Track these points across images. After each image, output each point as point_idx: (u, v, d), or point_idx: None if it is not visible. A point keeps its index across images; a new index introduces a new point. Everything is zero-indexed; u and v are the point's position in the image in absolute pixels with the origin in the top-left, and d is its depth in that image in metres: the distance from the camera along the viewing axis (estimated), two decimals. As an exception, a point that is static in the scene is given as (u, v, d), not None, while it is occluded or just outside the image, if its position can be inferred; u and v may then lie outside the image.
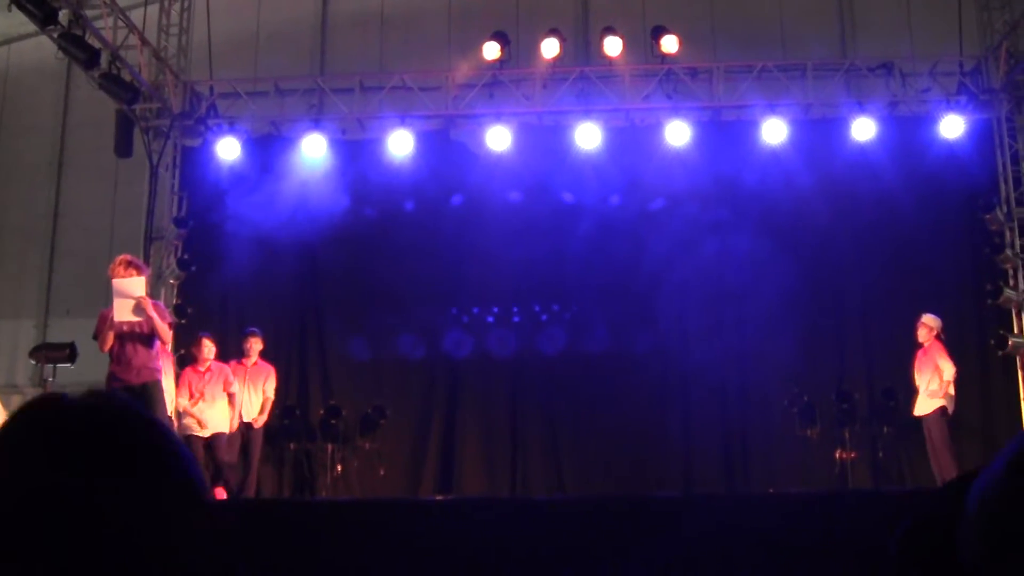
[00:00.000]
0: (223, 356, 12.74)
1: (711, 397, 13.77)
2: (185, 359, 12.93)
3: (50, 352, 13.14)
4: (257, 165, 14.44)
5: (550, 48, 14.38)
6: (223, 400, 12.09)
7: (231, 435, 12.33)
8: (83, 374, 11.91)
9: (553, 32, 14.43)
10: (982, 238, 13.89)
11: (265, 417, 12.63)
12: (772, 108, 14.03)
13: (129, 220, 14.75)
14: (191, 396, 11.99)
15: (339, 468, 13.44)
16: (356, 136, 14.88)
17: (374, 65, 15.44)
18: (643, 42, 14.54)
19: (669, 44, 14.23)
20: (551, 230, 14.08)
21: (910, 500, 8.37)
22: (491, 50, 14.38)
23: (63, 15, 12.17)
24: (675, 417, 13.81)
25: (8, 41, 16.12)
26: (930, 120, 14.01)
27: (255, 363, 12.66)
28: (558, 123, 14.64)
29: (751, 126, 14.12)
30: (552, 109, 14.69)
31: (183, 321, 13.58)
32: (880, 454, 13.32)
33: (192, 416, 11.93)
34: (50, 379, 12.87)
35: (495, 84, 14.73)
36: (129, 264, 9.22)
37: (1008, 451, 1.11)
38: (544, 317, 14.26)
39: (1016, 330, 13.64)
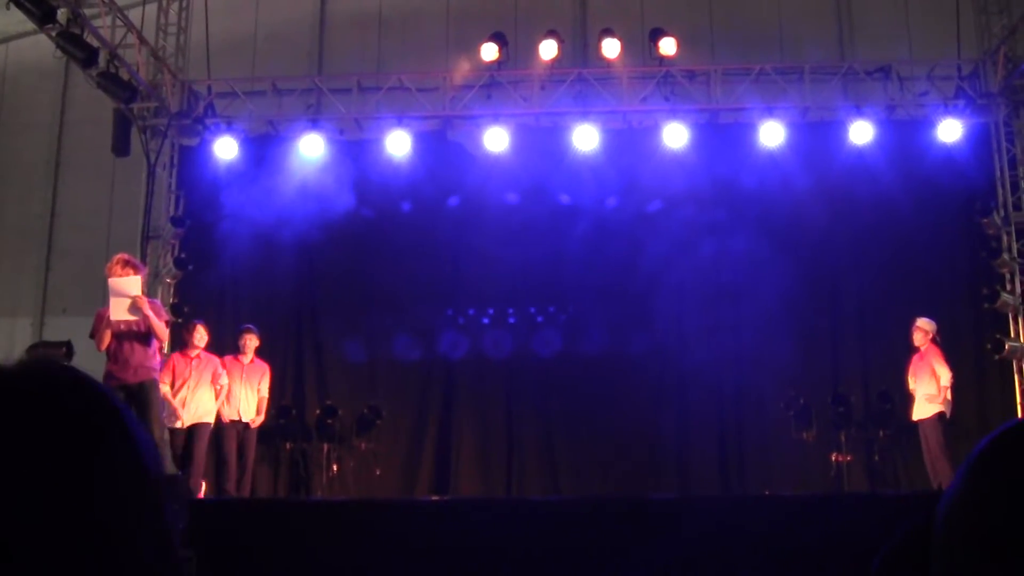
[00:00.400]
0: (218, 354, 12.73)
1: (707, 399, 13.77)
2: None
3: (47, 350, 13.11)
4: (254, 165, 14.42)
5: (548, 50, 14.38)
6: (209, 391, 11.93)
7: (227, 431, 12.29)
8: (79, 373, 11.86)
9: (551, 34, 14.42)
10: (979, 242, 13.90)
11: (263, 417, 12.59)
12: (770, 111, 14.03)
13: (126, 219, 14.74)
14: (173, 383, 11.72)
15: (335, 468, 13.42)
16: (354, 136, 14.87)
17: (372, 65, 15.44)
18: (641, 44, 14.55)
19: (667, 46, 14.23)
20: (548, 231, 14.07)
21: (905, 504, 8.38)
22: (489, 51, 14.37)
23: (61, 13, 12.15)
24: (671, 419, 13.81)
25: (6, 39, 16.10)
26: (928, 124, 14.01)
27: (251, 361, 12.60)
28: (556, 124, 14.63)
29: (749, 129, 14.12)
30: (550, 110, 14.69)
31: (179, 320, 13.55)
32: (876, 457, 13.33)
33: (171, 404, 11.61)
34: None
35: (493, 85, 14.73)
36: (127, 263, 9.21)
37: (970, 457, 1.12)
38: (540, 319, 14.26)
39: (1012, 334, 13.65)
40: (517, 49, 14.70)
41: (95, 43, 12.65)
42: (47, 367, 1.09)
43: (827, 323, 14.00)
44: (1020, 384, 13.54)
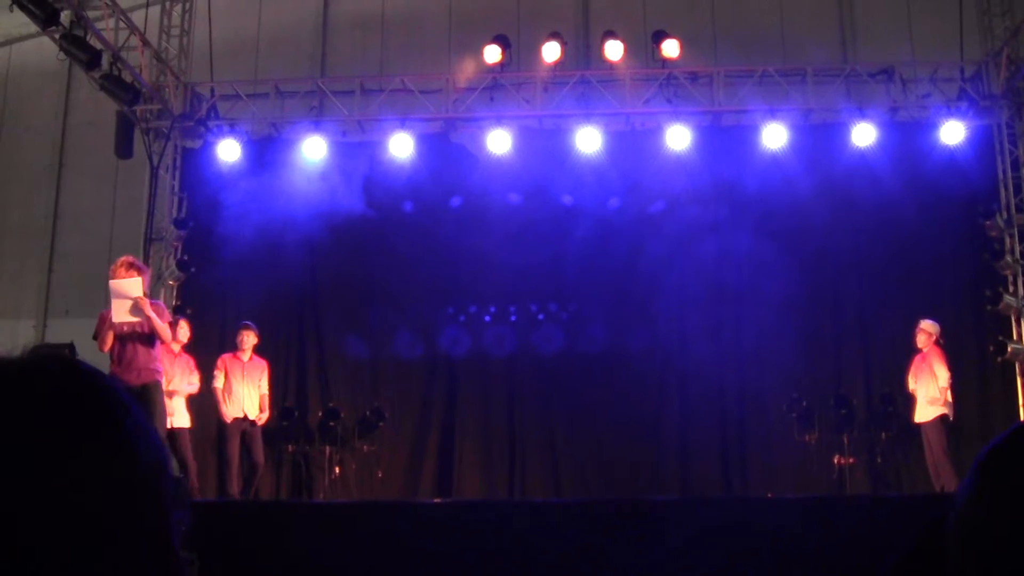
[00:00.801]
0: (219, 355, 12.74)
1: (709, 401, 13.78)
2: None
3: (47, 351, 13.10)
4: (257, 167, 14.41)
5: (551, 52, 14.38)
6: (186, 392, 11.91)
7: (230, 431, 12.25)
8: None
9: (554, 36, 14.43)
10: (982, 244, 13.88)
11: (267, 413, 12.56)
12: (772, 113, 14.03)
13: (129, 221, 14.75)
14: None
15: (337, 470, 13.43)
16: (356, 138, 14.88)
17: (374, 67, 15.44)
18: (644, 46, 14.54)
19: (670, 48, 14.23)
20: (551, 233, 14.08)
21: (908, 506, 8.38)
22: (492, 53, 14.38)
23: (65, 16, 12.18)
24: (673, 421, 13.83)
25: (9, 41, 16.12)
26: (930, 126, 14.01)
27: (251, 358, 12.57)
28: (558, 127, 14.63)
29: (751, 131, 14.11)
30: (552, 113, 14.69)
31: (190, 323, 13.56)
32: (878, 460, 13.32)
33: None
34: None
35: (496, 87, 14.74)
36: (130, 266, 9.20)
37: (980, 455, 1.12)
38: (543, 318, 14.26)
39: (1015, 337, 13.64)
40: (520, 51, 14.71)
41: (98, 45, 12.67)
42: (56, 360, 1.08)
43: (830, 325, 14.00)
44: (1022, 386, 13.53)
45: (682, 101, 14.53)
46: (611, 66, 14.52)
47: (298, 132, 14.59)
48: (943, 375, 11.85)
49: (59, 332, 14.78)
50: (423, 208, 14.38)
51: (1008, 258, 13.80)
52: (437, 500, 12.83)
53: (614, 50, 14.30)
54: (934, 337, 12.12)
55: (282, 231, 13.85)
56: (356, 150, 14.66)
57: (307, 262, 14.43)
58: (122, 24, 13.46)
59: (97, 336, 9.31)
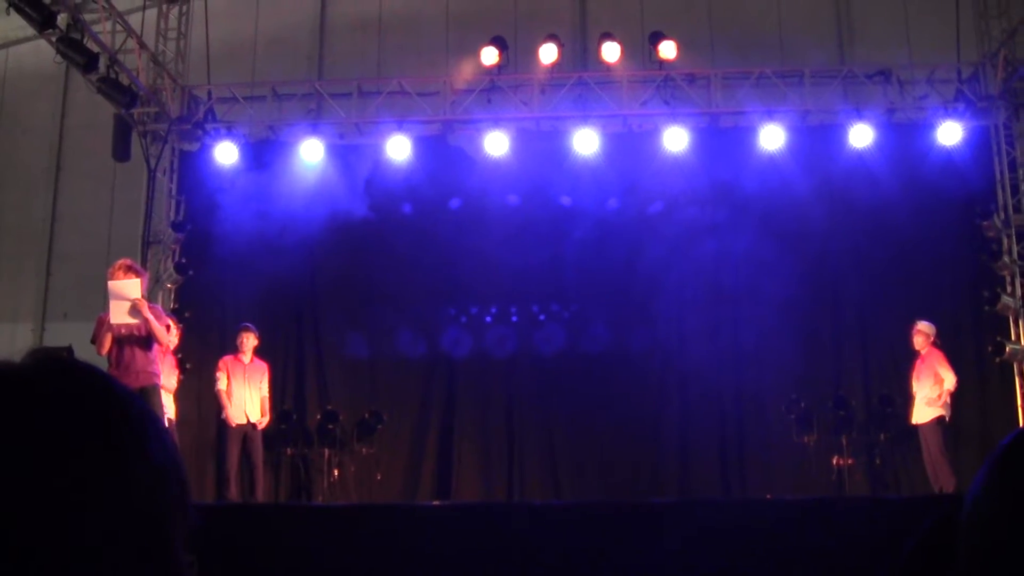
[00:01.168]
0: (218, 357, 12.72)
1: (708, 403, 13.78)
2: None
3: (48, 353, 13.09)
4: (255, 169, 14.41)
5: (548, 54, 14.39)
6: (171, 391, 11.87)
7: (230, 435, 12.24)
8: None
9: (551, 38, 14.43)
10: (979, 245, 13.89)
11: (268, 417, 12.56)
12: (770, 115, 14.03)
13: (126, 224, 14.74)
14: None
15: (336, 473, 13.41)
16: (354, 140, 14.88)
17: (372, 70, 15.44)
18: (641, 48, 14.55)
19: (667, 50, 14.24)
20: (548, 235, 14.08)
21: (907, 507, 8.37)
22: (489, 55, 14.38)
23: (61, 19, 12.16)
24: (672, 422, 13.83)
25: (6, 45, 16.12)
26: (928, 127, 14.02)
27: (252, 360, 12.55)
28: (556, 128, 14.64)
29: (749, 132, 14.12)
30: (550, 114, 14.69)
31: (180, 325, 13.55)
32: (877, 461, 13.32)
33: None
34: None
35: (493, 89, 14.74)
36: (129, 268, 9.20)
37: (995, 452, 1.12)
38: (542, 319, 14.26)
39: (1013, 337, 13.64)
40: (517, 53, 14.71)
41: (95, 48, 12.66)
42: (56, 361, 1.07)
43: (828, 326, 14.00)
44: (1021, 387, 13.53)
45: (679, 103, 14.54)
46: (608, 68, 14.53)
47: (295, 134, 14.58)
48: (950, 379, 11.88)
49: (57, 335, 14.77)
50: (421, 210, 14.38)
51: (1006, 259, 13.81)
52: (436, 502, 12.83)
53: (611, 52, 14.31)
54: (931, 338, 12.14)
55: (280, 234, 13.85)
56: (354, 152, 14.67)
57: (305, 264, 14.41)
58: (119, 27, 13.46)
59: (95, 339, 9.29)
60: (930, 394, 11.91)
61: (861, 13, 15.51)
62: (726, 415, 13.83)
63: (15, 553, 0.93)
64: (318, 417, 13.73)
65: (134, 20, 14.00)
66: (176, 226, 14.50)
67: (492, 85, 14.70)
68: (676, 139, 14.02)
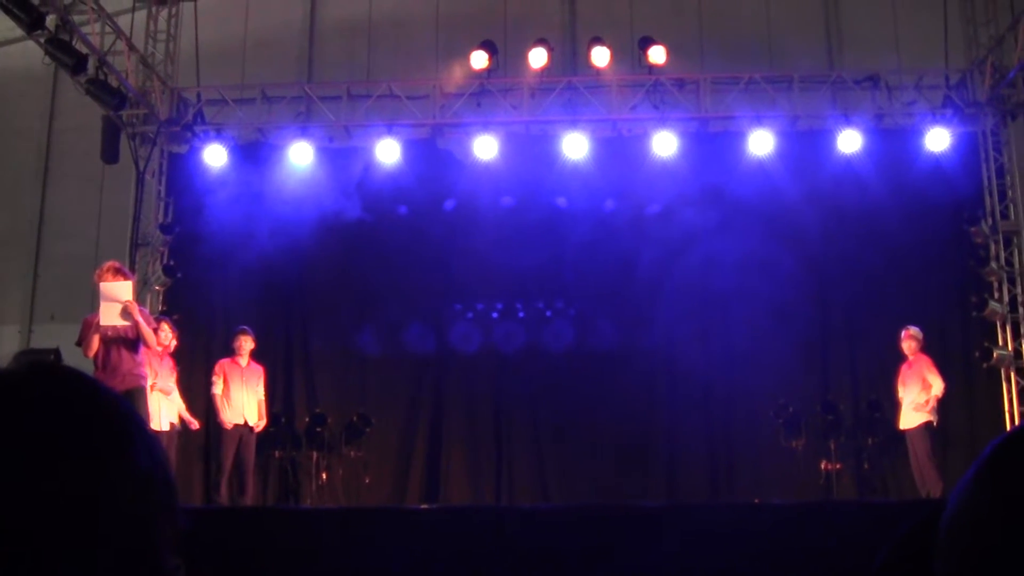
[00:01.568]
0: (211, 363, 12.69)
1: (696, 407, 13.79)
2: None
3: (36, 357, 13.04)
4: (244, 172, 14.39)
5: (538, 58, 14.39)
6: (175, 394, 11.84)
7: (227, 437, 12.18)
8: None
9: (541, 42, 14.44)
10: (967, 251, 13.93)
11: (265, 420, 12.53)
12: (759, 120, 14.06)
13: (115, 226, 14.68)
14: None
15: (324, 476, 13.39)
16: (343, 144, 14.87)
17: (362, 73, 15.43)
18: (631, 53, 14.56)
19: (656, 55, 14.26)
20: (537, 239, 14.06)
21: (894, 511, 8.39)
22: (479, 59, 14.39)
23: (50, 20, 12.12)
24: (660, 426, 13.85)
25: (-5, 46, 16.07)
26: (916, 133, 14.06)
27: (248, 363, 12.52)
28: (545, 132, 14.64)
29: (738, 137, 14.15)
30: (539, 119, 14.70)
31: (176, 329, 13.51)
32: (865, 466, 13.35)
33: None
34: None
35: (483, 93, 14.74)
36: (116, 271, 9.19)
37: (979, 459, 1.12)
38: (530, 325, 14.26)
39: (1000, 342, 13.69)
40: (507, 57, 14.72)
41: (84, 50, 12.63)
42: (44, 365, 1.07)
43: (816, 331, 14.02)
44: (1008, 392, 13.58)
45: (669, 107, 14.55)
46: (598, 72, 14.54)
47: (285, 137, 14.57)
48: (939, 384, 11.91)
49: (44, 338, 14.72)
50: (410, 214, 14.38)
51: (993, 264, 13.86)
52: (424, 505, 12.81)
53: (601, 56, 14.32)
54: (920, 343, 12.18)
55: (268, 236, 13.84)
56: (343, 155, 14.66)
57: (293, 267, 14.39)
58: (108, 28, 13.43)
59: (81, 341, 9.26)
60: (918, 399, 11.94)
61: (850, 19, 15.55)
62: (715, 419, 13.85)
63: (1, 556, 0.93)
64: (306, 420, 13.71)
65: (123, 22, 13.97)
66: (164, 228, 14.48)
67: (481, 89, 14.71)
68: (665, 144, 14.04)
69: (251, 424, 12.27)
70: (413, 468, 13.94)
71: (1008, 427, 13.18)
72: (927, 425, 11.91)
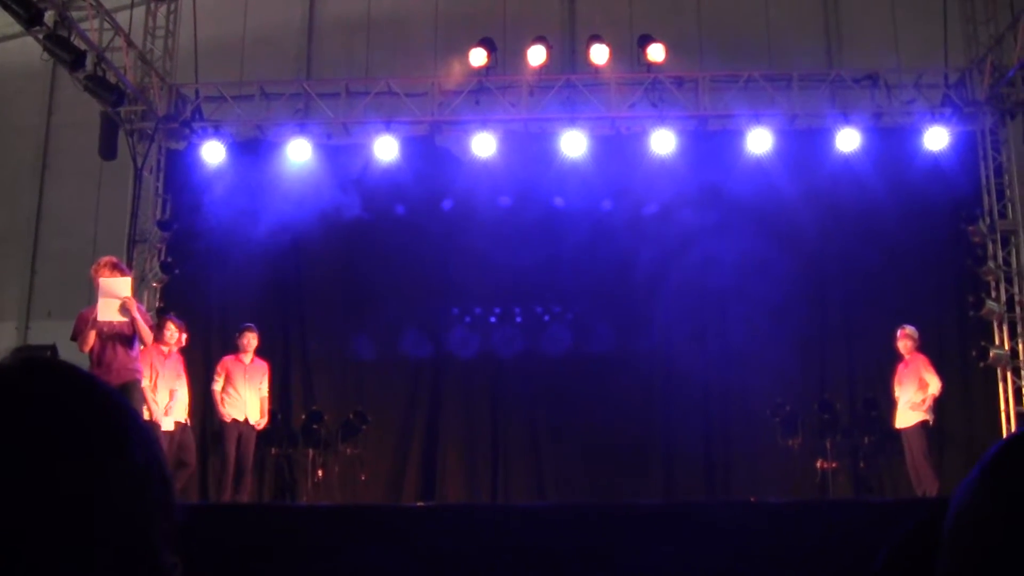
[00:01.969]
0: (208, 360, 12.67)
1: (693, 406, 13.78)
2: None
3: (32, 353, 13.02)
4: (242, 169, 14.38)
5: (537, 55, 14.39)
6: (183, 390, 11.85)
7: (228, 432, 12.18)
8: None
9: (540, 40, 14.43)
10: (965, 250, 13.94)
11: (266, 419, 12.53)
12: (757, 118, 14.05)
13: (112, 223, 14.67)
14: (148, 376, 11.33)
15: (320, 474, 13.38)
16: (341, 141, 14.86)
17: (360, 70, 15.42)
18: (630, 51, 14.56)
19: (655, 53, 14.25)
20: (535, 237, 14.05)
21: (890, 510, 8.39)
22: (477, 57, 14.37)
23: (49, 16, 12.11)
24: (657, 425, 13.83)
25: (-7, 41, 16.05)
26: (914, 132, 14.05)
27: (252, 361, 12.51)
28: (544, 130, 14.64)
29: (736, 136, 14.14)
30: (538, 116, 14.69)
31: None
32: (861, 464, 13.34)
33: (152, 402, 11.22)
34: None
35: (481, 91, 14.72)
36: (114, 267, 9.18)
37: (983, 459, 1.12)
38: (526, 323, 14.25)
39: (997, 342, 13.69)
40: (506, 55, 14.70)
41: (82, 46, 12.61)
42: (41, 361, 1.07)
43: (813, 330, 14.02)
44: (1004, 391, 13.58)
45: (667, 105, 14.54)
46: (597, 70, 14.53)
47: (283, 134, 14.55)
48: (935, 384, 11.92)
49: (41, 334, 14.72)
50: (408, 211, 14.36)
51: (991, 264, 13.86)
52: (420, 503, 12.81)
53: (600, 54, 14.31)
54: (916, 342, 12.18)
55: (266, 234, 13.83)
56: (341, 153, 14.65)
57: (291, 265, 14.41)
58: (106, 25, 13.40)
59: (77, 336, 9.25)
60: (914, 398, 11.95)
61: (849, 17, 15.55)
62: (711, 417, 13.85)
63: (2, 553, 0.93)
64: (303, 417, 13.70)
65: (122, 18, 13.95)
66: (162, 225, 14.46)
67: (480, 86, 14.69)
68: (664, 142, 14.04)
69: (252, 422, 12.26)
70: (409, 466, 13.94)
71: (1004, 426, 13.22)
72: (923, 424, 11.91)
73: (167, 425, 11.55)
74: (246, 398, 12.25)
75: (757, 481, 13.22)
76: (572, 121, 14.29)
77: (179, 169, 14.84)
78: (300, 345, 14.48)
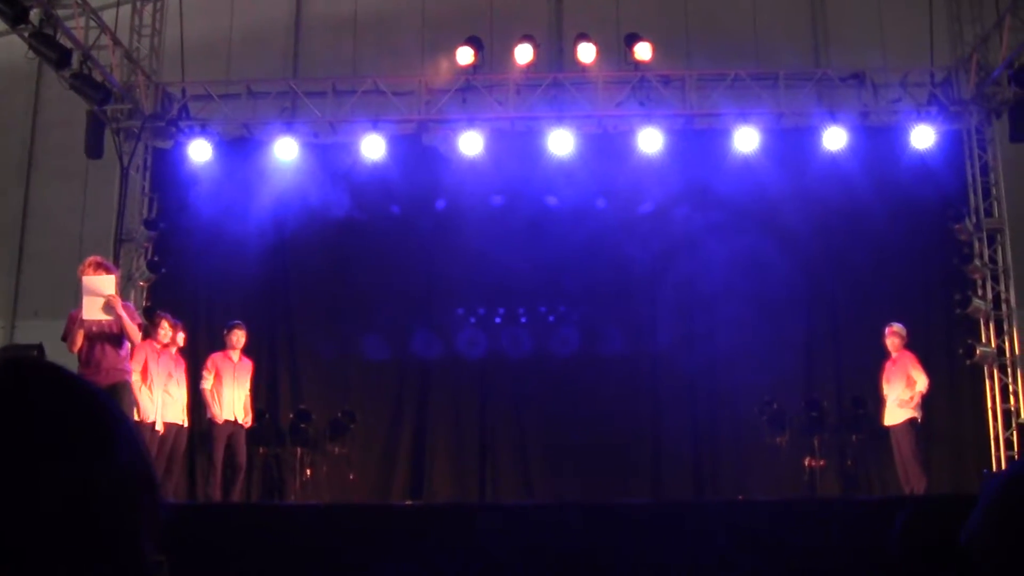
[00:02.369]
0: (195, 359, 12.64)
1: (681, 404, 13.81)
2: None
3: (18, 353, 13.00)
4: (228, 167, 14.37)
5: (524, 54, 14.39)
6: (178, 390, 11.83)
7: (217, 433, 12.16)
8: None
9: (527, 38, 14.43)
10: (951, 248, 13.98)
11: (250, 417, 12.51)
12: (744, 116, 14.07)
13: (99, 221, 14.62)
14: (143, 374, 11.41)
15: (308, 473, 13.36)
16: (328, 139, 14.83)
17: (347, 69, 15.39)
18: (617, 49, 14.56)
19: (643, 52, 14.25)
20: (523, 235, 14.05)
21: (878, 508, 8.41)
22: (465, 55, 14.37)
23: (34, 14, 12.06)
24: (645, 423, 13.85)
25: (-22, 40, 15.98)
26: (901, 130, 14.09)
27: (240, 359, 12.48)
28: (531, 129, 14.63)
29: (723, 134, 14.16)
30: (525, 115, 14.69)
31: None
32: (849, 462, 13.37)
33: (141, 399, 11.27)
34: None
35: (468, 89, 14.71)
36: (99, 266, 9.14)
37: (1000, 478, 1.11)
38: (514, 322, 14.25)
39: (984, 339, 13.75)
40: (493, 53, 14.70)
41: (68, 44, 12.57)
42: (27, 362, 1.07)
43: (801, 328, 14.04)
44: (991, 389, 13.64)
45: (654, 104, 14.55)
46: (584, 69, 14.54)
47: (270, 133, 14.53)
48: (923, 381, 11.95)
49: (28, 333, 14.67)
50: (395, 210, 14.35)
51: (977, 262, 13.91)
52: (409, 502, 12.81)
53: (587, 53, 14.32)
54: (904, 340, 12.22)
55: (253, 233, 13.82)
56: (328, 151, 14.63)
57: (278, 263, 14.39)
58: (92, 23, 13.36)
59: (66, 337, 9.22)
60: (902, 396, 11.98)
61: (836, 17, 15.58)
62: (699, 415, 13.86)
63: None
64: (291, 416, 13.67)
65: (108, 16, 13.91)
66: (149, 224, 14.43)
67: (467, 85, 14.68)
68: (651, 140, 14.05)
69: (239, 421, 12.25)
70: (398, 465, 13.92)
71: (991, 423, 13.28)
72: (911, 421, 11.95)
73: (159, 425, 11.54)
74: (233, 398, 12.22)
75: (745, 479, 13.26)
76: (559, 120, 14.29)
77: (166, 168, 14.81)
78: (287, 344, 14.46)
